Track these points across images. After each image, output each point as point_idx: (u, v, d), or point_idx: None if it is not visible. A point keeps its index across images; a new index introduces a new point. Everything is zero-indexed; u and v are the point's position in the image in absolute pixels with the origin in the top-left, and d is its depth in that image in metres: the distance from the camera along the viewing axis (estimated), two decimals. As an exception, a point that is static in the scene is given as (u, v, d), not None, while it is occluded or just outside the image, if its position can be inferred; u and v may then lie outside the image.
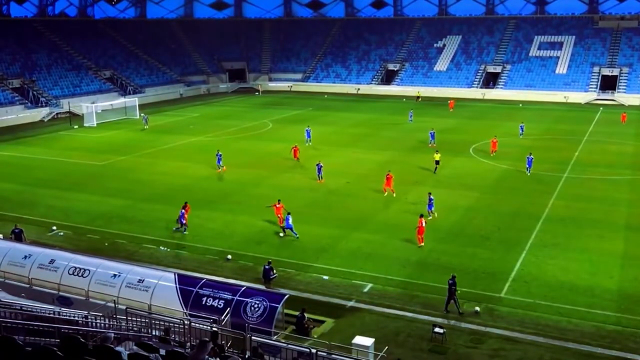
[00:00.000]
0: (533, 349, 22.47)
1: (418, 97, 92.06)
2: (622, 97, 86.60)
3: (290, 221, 33.12)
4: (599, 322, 24.27)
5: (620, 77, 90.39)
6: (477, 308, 25.18)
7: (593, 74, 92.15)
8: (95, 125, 69.57)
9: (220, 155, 47.39)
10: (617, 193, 41.22)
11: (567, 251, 31.21)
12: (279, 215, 34.79)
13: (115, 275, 23.83)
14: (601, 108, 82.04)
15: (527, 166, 45.03)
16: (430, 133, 56.48)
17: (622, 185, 43.06)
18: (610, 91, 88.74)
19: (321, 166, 44.01)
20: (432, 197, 35.83)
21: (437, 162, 45.74)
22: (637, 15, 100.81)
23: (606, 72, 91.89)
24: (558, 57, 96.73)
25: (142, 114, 70.66)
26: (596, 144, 57.30)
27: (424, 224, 31.76)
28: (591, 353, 22.18)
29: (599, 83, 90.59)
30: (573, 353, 22.18)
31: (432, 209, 35.63)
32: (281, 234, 33.73)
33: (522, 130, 60.10)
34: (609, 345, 22.63)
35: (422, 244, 31.70)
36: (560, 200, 39.73)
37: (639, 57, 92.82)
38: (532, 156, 45.16)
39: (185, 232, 34.04)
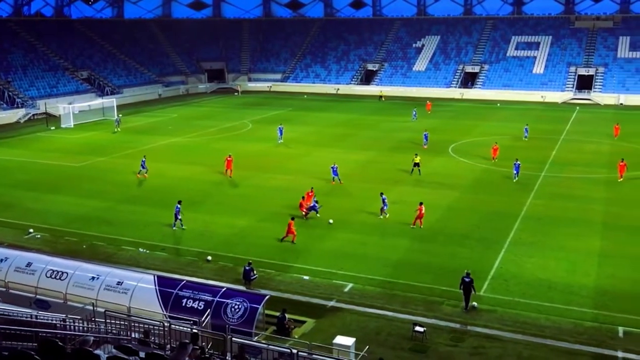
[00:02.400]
0: (512, 346, 22.69)
1: (381, 96, 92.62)
2: (598, 96, 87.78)
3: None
4: (577, 319, 24.58)
5: (596, 77, 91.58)
6: (475, 303, 25.43)
7: (569, 74, 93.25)
8: (72, 126, 68.82)
9: (144, 160, 46.21)
10: (593, 192, 41.75)
11: (545, 249, 31.55)
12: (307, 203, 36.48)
13: (93, 277, 23.62)
14: (577, 107, 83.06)
15: (515, 172, 43.78)
16: (424, 135, 56.14)
17: (599, 184, 43.62)
18: (586, 90, 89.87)
19: (336, 167, 43.77)
20: (384, 196, 36.22)
21: (417, 165, 45.46)
22: (612, 15, 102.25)
23: (582, 71, 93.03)
24: (535, 57, 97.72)
25: (117, 116, 69.69)
26: (573, 143, 57.97)
27: (423, 211, 34.18)
28: (569, 349, 22.44)
29: (575, 83, 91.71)
30: (551, 349, 22.44)
31: (386, 208, 36.06)
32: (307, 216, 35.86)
33: (527, 133, 59.28)
34: (587, 341, 22.94)
35: (414, 226, 34.37)
36: (538, 199, 40.14)
37: (614, 57, 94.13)
38: (518, 162, 44.10)
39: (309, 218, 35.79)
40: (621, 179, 43.39)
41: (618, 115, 74.13)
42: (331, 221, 35.26)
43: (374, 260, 30.36)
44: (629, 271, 28.89)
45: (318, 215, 35.76)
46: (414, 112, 72.20)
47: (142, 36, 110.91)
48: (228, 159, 46.10)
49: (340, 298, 26.62)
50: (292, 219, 33.16)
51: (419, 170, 45.38)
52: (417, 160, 45.73)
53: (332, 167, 43.76)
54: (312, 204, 36.14)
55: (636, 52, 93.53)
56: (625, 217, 36.31)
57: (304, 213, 35.85)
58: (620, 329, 23.75)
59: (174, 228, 34.71)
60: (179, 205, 34.60)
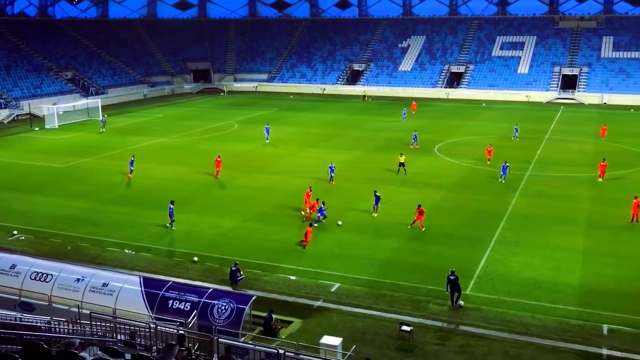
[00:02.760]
0: (498, 344, 22.82)
1: (364, 96, 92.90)
2: (582, 96, 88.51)
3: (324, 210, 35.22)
4: (562, 317, 24.76)
5: (580, 77, 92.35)
6: (462, 302, 25.62)
7: (554, 74, 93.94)
8: (56, 127, 68.29)
9: (133, 160, 45.95)
10: (577, 190, 42.08)
11: (530, 248, 31.76)
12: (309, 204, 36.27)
13: (78, 279, 23.47)
14: (562, 107, 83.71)
15: (502, 174, 43.68)
16: (414, 135, 56.09)
17: (583, 183, 43.97)
18: (570, 90, 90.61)
19: (333, 167, 43.79)
20: (378, 194, 36.74)
21: (402, 164, 45.62)
22: (596, 15, 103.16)
23: (566, 71, 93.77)
24: (520, 57, 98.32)
25: (103, 116, 69.21)
26: (557, 142, 58.39)
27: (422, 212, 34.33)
28: (555, 347, 22.60)
29: (559, 82, 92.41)
30: (537, 347, 22.59)
31: (378, 204, 36.48)
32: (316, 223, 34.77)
33: (517, 133, 59.38)
34: (572, 339, 23.11)
35: (423, 228, 34.08)
36: (523, 198, 40.40)
37: (597, 57, 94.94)
38: (507, 164, 44.01)
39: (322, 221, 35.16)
40: (602, 179, 43.70)
41: (602, 114, 74.92)
42: (340, 223, 35.08)
43: (360, 259, 30.39)
44: (613, 269, 29.16)
45: (316, 224, 34.60)
46: (404, 112, 72.38)
47: (127, 36, 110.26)
48: (217, 159, 45.81)
49: (327, 298, 26.63)
50: (311, 225, 32.92)
51: (405, 170, 45.52)
52: (402, 160, 45.88)
53: (330, 167, 43.77)
54: (319, 207, 35.48)
55: (619, 52, 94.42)
56: (609, 216, 36.61)
57: (314, 215, 35.49)
58: (605, 327, 23.97)
59: (172, 228, 34.58)
60: (171, 206, 34.52)
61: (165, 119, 74.92)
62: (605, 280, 28.07)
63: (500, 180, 43.80)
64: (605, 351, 22.32)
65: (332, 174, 43.50)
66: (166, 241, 33.43)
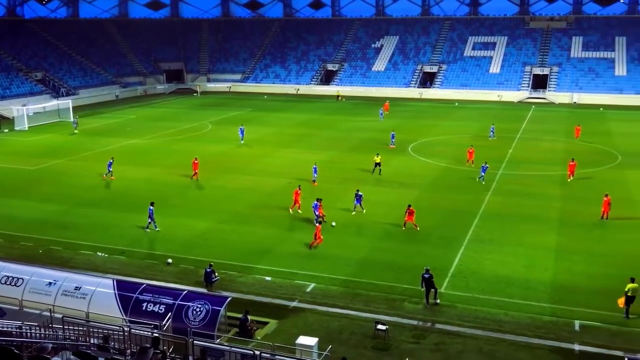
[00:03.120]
0: (472, 341, 23.03)
1: (338, 96, 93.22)
2: (553, 95, 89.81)
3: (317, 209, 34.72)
4: (535, 314, 25.07)
5: (551, 76, 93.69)
6: (438, 300, 25.84)
7: (525, 73, 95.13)
8: (26, 128, 67.27)
9: (111, 162, 45.58)
10: (549, 189, 42.65)
11: (503, 246, 32.12)
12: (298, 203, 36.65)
13: (50, 283, 23.13)
14: (533, 106, 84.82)
15: (482, 173, 43.81)
16: (392, 134, 56.28)
17: (554, 181, 44.58)
18: (541, 90, 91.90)
19: (316, 168, 43.72)
20: (360, 193, 37.02)
21: (378, 164, 45.85)
22: (566, 16, 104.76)
23: (537, 71, 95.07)
24: (491, 57, 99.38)
25: (75, 117, 68.51)
26: (529, 141, 59.12)
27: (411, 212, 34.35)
28: (528, 343, 22.88)
29: (530, 82, 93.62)
30: (510, 344, 22.85)
31: (360, 203, 36.84)
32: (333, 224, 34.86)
33: (493, 133, 59.84)
34: (545, 335, 23.42)
35: (414, 228, 34.15)
36: (496, 196, 40.83)
37: (567, 57, 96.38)
38: (487, 165, 44.22)
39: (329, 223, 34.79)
40: (571, 179, 44.26)
41: (572, 113, 76.11)
42: (334, 224, 34.89)
43: (336, 259, 30.44)
44: (584, 266, 29.63)
45: (316, 223, 33.94)
46: (381, 112, 72.71)
47: (98, 36, 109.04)
48: (194, 162, 45.37)
49: (303, 298, 26.63)
50: (319, 224, 32.78)
51: (380, 169, 45.72)
52: (378, 160, 46.07)
53: (314, 167, 43.80)
54: (314, 203, 35.07)
55: (589, 52, 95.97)
56: (580, 214, 37.15)
57: (320, 217, 35.07)
58: (577, 323, 24.33)
59: (148, 230, 34.31)
60: (151, 207, 34.25)
61: (138, 120, 74.23)
62: (577, 277, 28.50)
63: (478, 180, 43.91)
64: (577, 347, 22.66)
65: (316, 175, 43.49)
66: (140, 243, 33.11)
